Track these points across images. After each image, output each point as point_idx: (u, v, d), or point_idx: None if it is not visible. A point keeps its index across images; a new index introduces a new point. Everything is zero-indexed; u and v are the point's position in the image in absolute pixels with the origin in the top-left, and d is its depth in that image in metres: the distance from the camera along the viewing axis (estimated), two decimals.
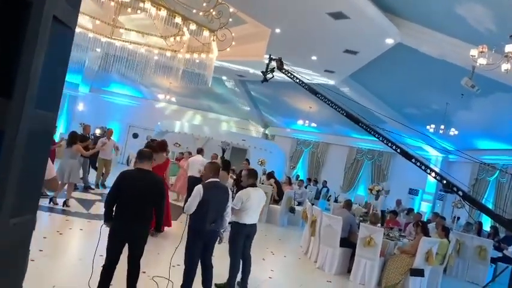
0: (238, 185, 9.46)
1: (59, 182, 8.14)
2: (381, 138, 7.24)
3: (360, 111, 8.20)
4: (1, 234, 1.04)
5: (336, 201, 14.97)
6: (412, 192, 16.64)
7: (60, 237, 6.18)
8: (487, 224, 11.97)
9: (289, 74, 8.10)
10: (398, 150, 7.02)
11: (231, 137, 18.97)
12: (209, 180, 4.62)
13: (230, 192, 4.88)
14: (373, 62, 10.88)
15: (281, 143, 20.56)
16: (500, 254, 9.56)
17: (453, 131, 11.28)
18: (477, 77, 7.87)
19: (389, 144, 7.13)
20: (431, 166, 6.91)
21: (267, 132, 22.07)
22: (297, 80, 7.99)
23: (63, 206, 7.98)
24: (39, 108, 0.97)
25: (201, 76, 12.37)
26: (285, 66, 8.23)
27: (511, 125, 10.80)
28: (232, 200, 5.06)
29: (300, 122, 17.09)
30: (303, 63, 12.33)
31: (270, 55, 8.42)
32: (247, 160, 13.49)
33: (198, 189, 4.45)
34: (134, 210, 3.99)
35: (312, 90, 7.93)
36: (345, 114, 7.54)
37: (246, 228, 5.21)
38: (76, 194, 9.48)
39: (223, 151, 18.74)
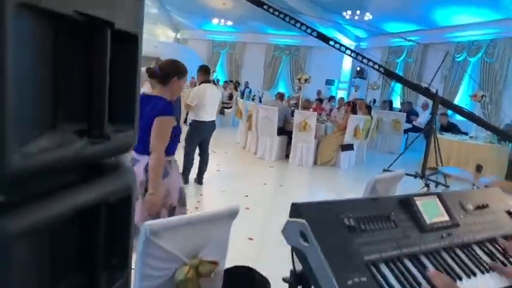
0: None
1: None
2: (292, 22, 6.77)
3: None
4: None
5: (260, 100, 15.26)
6: (329, 82, 17.51)
7: None
8: (396, 103, 13.30)
9: None
10: (315, 34, 6.82)
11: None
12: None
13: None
14: None
15: (196, 46, 19.77)
16: (410, 126, 10.78)
17: (368, 16, 11.67)
18: None
19: (304, 27, 6.81)
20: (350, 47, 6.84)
21: (178, 36, 20.94)
22: None
23: None
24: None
25: None
26: None
27: (419, 6, 11.38)
28: None
29: (215, 20, 16.41)
30: None
31: None
32: None
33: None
34: None
35: None
36: None
37: (206, 125, 5.27)
38: None
39: None
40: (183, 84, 2.73)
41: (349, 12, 11.72)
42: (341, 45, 6.51)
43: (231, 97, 12.85)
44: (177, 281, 1.33)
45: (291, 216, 0.99)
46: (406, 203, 1.13)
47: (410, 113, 11.56)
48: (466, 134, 9.13)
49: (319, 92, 14.17)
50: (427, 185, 5.98)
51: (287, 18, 6.35)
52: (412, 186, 5.62)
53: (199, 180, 5.56)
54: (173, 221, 1.35)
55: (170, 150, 2.60)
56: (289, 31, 16.15)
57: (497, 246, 1.22)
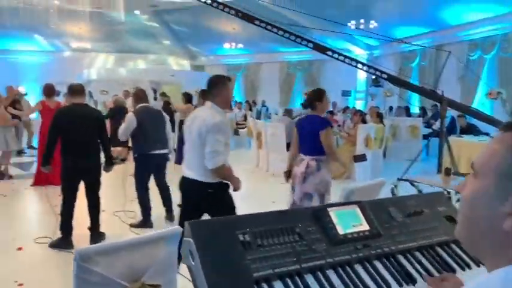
0: None
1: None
2: (286, 36, 6.63)
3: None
4: None
5: None
6: (345, 93, 17.38)
7: (6, 199, 5.90)
8: (414, 108, 13.02)
9: None
10: (311, 45, 6.69)
11: (158, 75, 18.16)
12: (140, 105, 4.63)
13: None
14: None
15: (212, 72, 20.13)
16: (431, 131, 10.50)
17: (373, 24, 11.59)
18: None
19: (299, 40, 6.57)
20: (349, 55, 6.74)
21: (195, 64, 21.43)
22: None
23: (3, 178, 7.09)
24: None
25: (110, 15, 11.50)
26: None
27: (426, 7, 11.24)
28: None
29: (227, 45, 16.72)
30: None
31: None
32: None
33: (129, 116, 4.46)
34: (81, 145, 3.92)
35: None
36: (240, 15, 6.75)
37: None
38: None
39: (155, 91, 17.99)
40: (326, 102, 3.77)
41: (353, 22, 11.69)
42: (339, 54, 6.46)
43: (245, 118, 12.91)
44: None
45: (185, 236, 0.98)
46: (318, 214, 1.10)
47: (434, 117, 11.25)
48: (487, 134, 8.80)
49: (334, 104, 14.07)
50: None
51: (280, 32, 6.38)
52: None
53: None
54: (106, 246, 1.36)
55: (323, 152, 3.56)
56: (300, 47, 16.23)
57: (430, 253, 1.16)
